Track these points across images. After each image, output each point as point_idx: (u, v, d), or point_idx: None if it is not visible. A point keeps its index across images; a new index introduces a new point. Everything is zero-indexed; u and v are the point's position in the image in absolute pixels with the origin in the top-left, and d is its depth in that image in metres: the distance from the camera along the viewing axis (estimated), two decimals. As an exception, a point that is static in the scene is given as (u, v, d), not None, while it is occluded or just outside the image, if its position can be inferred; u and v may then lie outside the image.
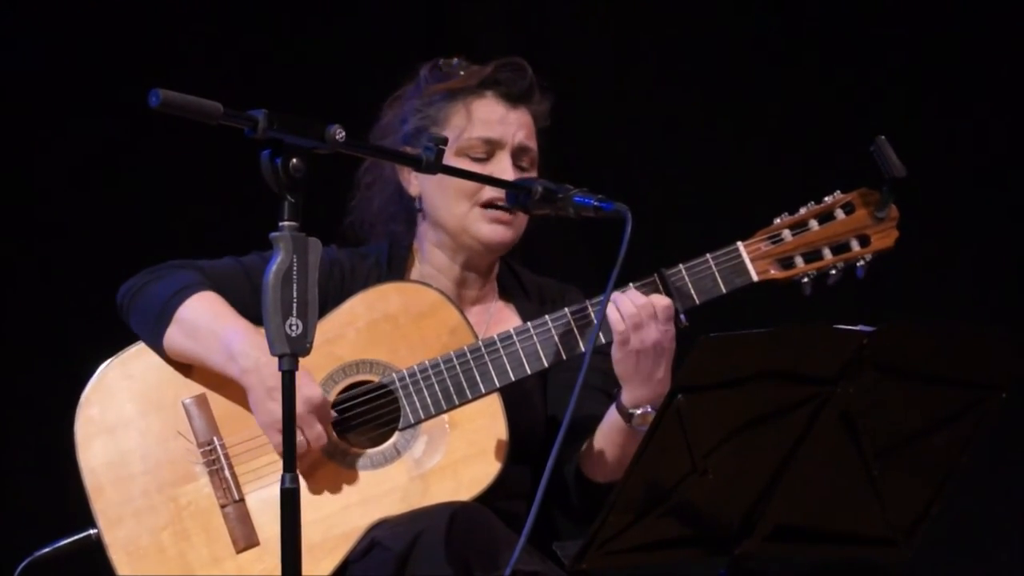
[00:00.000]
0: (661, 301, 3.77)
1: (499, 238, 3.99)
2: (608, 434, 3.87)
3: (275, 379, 3.71)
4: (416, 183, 4.07)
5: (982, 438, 3.44)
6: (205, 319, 3.85)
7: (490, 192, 3.96)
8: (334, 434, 3.82)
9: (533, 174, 4.02)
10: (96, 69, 5.30)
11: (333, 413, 3.82)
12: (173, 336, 3.86)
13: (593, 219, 3.71)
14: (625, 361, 3.77)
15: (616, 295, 3.77)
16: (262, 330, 3.26)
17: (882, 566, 3.56)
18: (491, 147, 4.00)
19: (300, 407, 3.71)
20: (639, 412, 3.79)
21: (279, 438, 3.72)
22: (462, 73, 4.05)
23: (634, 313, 3.75)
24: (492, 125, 4.00)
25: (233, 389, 3.85)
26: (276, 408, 3.72)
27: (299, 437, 3.74)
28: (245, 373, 3.79)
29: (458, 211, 4.00)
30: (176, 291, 3.88)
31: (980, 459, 3.52)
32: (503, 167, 3.98)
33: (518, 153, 4.01)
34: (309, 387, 3.75)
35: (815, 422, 3.36)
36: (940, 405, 3.41)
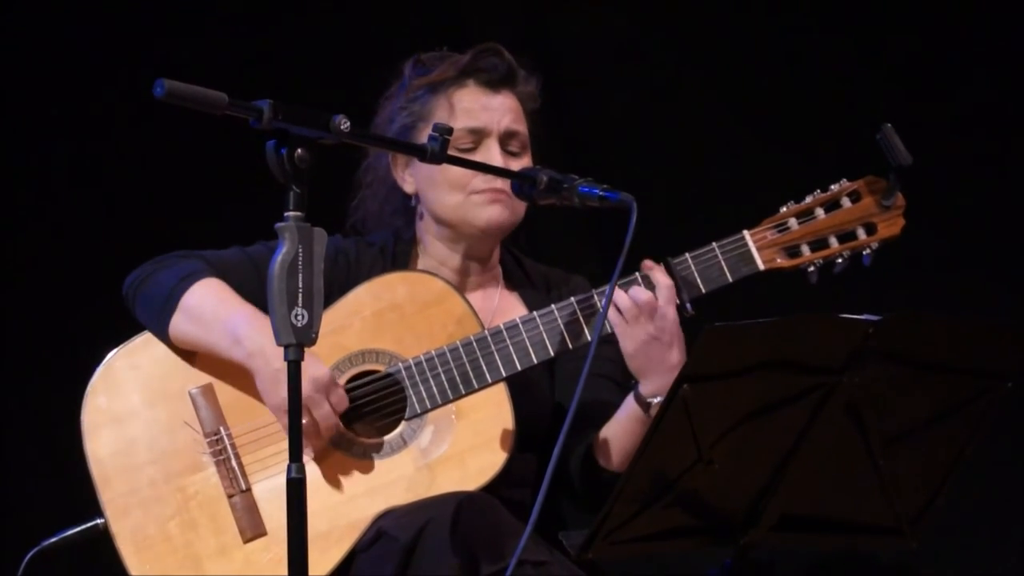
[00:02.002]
0: (663, 281, 3.76)
1: (499, 219, 3.99)
2: (625, 423, 3.86)
3: (281, 361, 3.69)
4: (411, 180, 4.07)
5: (988, 427, 3.44)
6: (210, 305, 3.85)
7: (482, 182, 3.96)
8: (340, 423, 3.82)
9: (525, 157, 4.02)
10: (99, 61, 5.30)
11: (343, 395, 3.81)
12: (179, 323, 3.87)
13: (598, 209, 3.71)
14: (634, 354, 3.78)
15: (617, 293, 3.77)
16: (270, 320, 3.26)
17: (887, 556, 3.58)
18: (477, 136, 4.00)
19: (307, 387, 3.72)
20: (655, 401, 3.78)
21: (286, 419, 3.72)
22: (440, 66, 4.04)
23: (630, 306, 3.75)
24: (475, 114, 4.00)
25: (240, 379, 3.85)
26: (284, 390, 3.72)
27: (308, 418, 3.75)
28: (251, 357, 3.79)
29: (453, 202, 4.00)
30: (181, 278, 3.88)
31: (985, 449, 3.52)
32: (491, 155, 3.97)
33: (505, 138, 4.01)
34: (315, 367, 3.75)
35: (821, 412, 3.36)
36: (946, 394, 3.41)
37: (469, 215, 3.99)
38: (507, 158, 3.99)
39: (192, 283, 3.88)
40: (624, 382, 3.90)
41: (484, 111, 4.00)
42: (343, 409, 3.80)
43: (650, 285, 3.81)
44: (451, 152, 3.87)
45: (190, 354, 3.91)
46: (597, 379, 3.95)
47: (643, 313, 3.76)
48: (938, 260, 5.26)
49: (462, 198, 3.99)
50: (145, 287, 3.93)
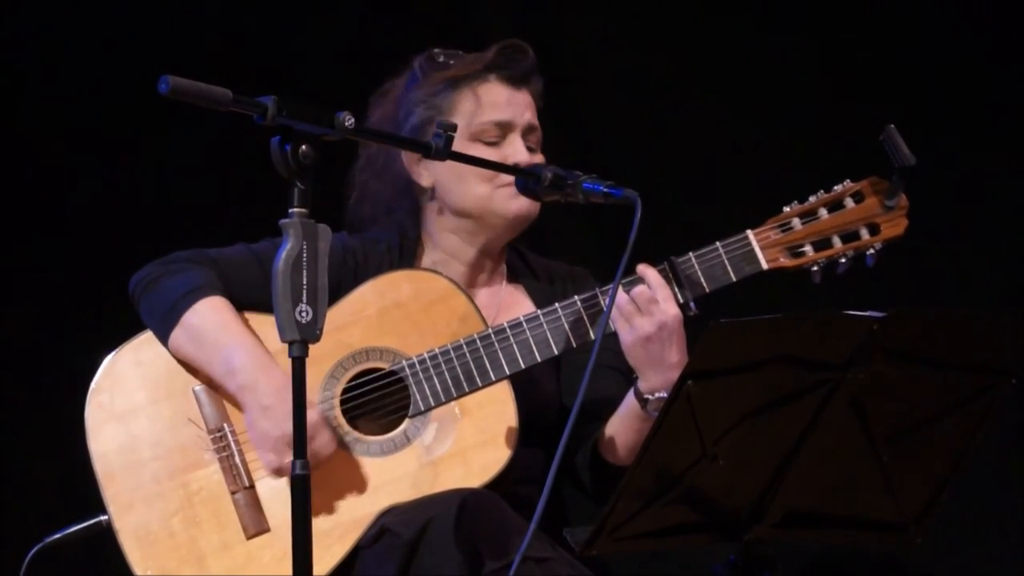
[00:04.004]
0: (652, 276, 3.76)
1: (527, 211, 4.00)
2: (625, 419, 3.88)
3: (271, 398, 3.74)
4: (427, 174, 4.08)
5: (992, 423, 3.44)
6: (210, 327, 3.85)
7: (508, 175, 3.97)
8: (344, 422, 3.83)
9: (539, 154, 4.04)
10: (103, 57, 5.30)
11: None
12: (178, 339, 3.87)
13: (603, 205, 3.72)
14: (633, 350, 3.78)
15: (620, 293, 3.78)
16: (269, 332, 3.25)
17: (891, 552, 3.58)
18: (503, 130, 4.02)
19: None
20: (654, 397, 3.79)
21: (269, 456, 3.76)
22: (460, 61, 4.05)
23: (625, 301, 3.76)
24: (501, 107, 4.02)
25: (243, 376, 3.86)
26: (269, 428, 3.75)
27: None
28: (242, 390, 3.80)
29: (480, 193, 4.01)
30: (185, 293, 3.87)
31: (990, 445, 3.52)
32: (516, 148, 4.00)
33: (527, 133, 4.03)
34: (322, 441, 3.76)
35: (825, 408, 3.36)
36: (950, 390, 3.41)
37: (498, 206, 4.00)
38: (527, 153, 4.01)
39: (196, 300, 3.87)
40: (630, 373, 3.90)
41: (509, 105, 4.02)
42: (327, 453, 3.77)
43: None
44: (477, 145, 3.93)
45: (194, 351, 3.92)
46: (603, 371, 3.96)
47: (639, 308, 3.76)
48: (941, 259, 5.26)
49: (490, 189, 4.00)
50: (151, 292, 3.92)
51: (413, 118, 4.04)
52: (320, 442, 3.77)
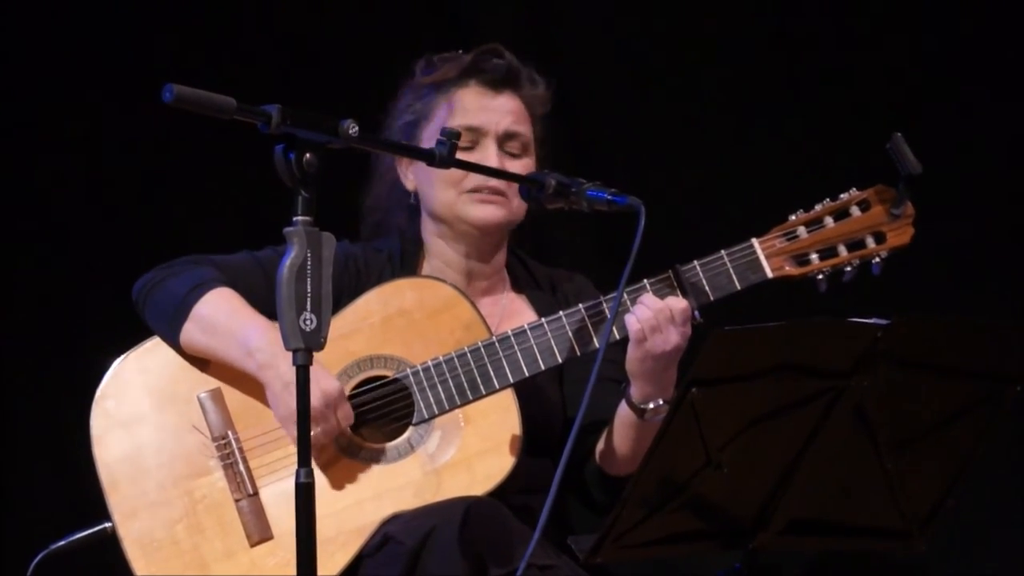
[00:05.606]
0: (678, 304, 3.76)
1: (491, 217, 4.00)
2: (620, 429, 3.87)
3: (292, 373, 3.67)
4: (412, 178, 4.09)
5: (997, 431, 3.43)
6: (222, 315, 3.86)
7: (475, 180, 3.97)
8: (348, 429, 3.83)
9: (526, 159, 4.03)
10: (106, 64, 5.32)
11: (350, 411, 3.82)
12: (190, 333, 3.87)
13: (606, 213, 3.72)
14: (642, 362, 3.77)
15: (639, 299, 3.77)
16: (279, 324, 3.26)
17: (896, 559, 3.58)
18: (474, 135, 4.01)
19: (317, 400, 3.72)
20: (651, 406, 3.79)
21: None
22: (445, 66, 4.06)
23: (650, 317, 3.75)
24: (473, 113, 4.01)
25: (249, 383, 3.85)
26: (294, 402, 3.73)
27: (316, 430, 3.75)
28: (262, 368, 3.80)
29: (446, 199, 4.01)
30: (192, 287, 3.88)
31: (995, 452, 3.52)
32: (487, 154, 3.99)
33: (504, 140, 4.02)
34: (326, 380, 3.76)
35: (829, 415, 3.36)
36: (955, 398, 3.41)
37: (462, 211, 4.01)
38: (506, 159, 4.01)
39: (204, 292, 3.88)
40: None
41: (483, 111, 4.02)
42: (349, 424, 3.80)
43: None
44: None
45: (199, 358, 3.91)
46: (606, 384, 3.94)
47: (660, 326, 3.75)
48: (946, 265, 5.26)
49: (455, 195, 4.00)
50: (156, 294, 3.93)
51: (400, 122, 4.07)
52: (343, 412, 3.77)
